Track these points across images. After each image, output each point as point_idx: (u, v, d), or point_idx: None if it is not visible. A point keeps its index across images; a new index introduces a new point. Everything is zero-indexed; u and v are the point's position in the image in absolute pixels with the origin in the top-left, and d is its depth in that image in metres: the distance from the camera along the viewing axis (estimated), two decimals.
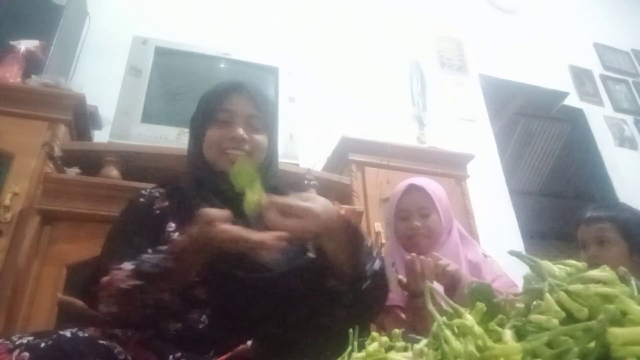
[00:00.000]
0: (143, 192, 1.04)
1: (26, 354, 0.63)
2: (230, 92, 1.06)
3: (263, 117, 1.07)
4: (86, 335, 0.74)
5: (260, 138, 1.05)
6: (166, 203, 1.01)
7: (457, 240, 1.40)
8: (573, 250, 1.53)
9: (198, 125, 1.07)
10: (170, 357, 0.80)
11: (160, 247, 0.82)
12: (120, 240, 0.94)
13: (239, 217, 0.97)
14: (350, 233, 0.84)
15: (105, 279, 0.82)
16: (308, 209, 0.77)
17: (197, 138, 1.06)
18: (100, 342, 0.75)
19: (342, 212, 0.83)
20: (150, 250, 0.86)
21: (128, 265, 0.81)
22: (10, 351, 0.64)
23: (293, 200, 0.79)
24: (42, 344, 0.65)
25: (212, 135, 1.03)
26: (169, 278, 0.79)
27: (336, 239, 0.82)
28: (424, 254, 1.31)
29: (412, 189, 1.40)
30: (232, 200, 0.98)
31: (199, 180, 1.03)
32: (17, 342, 0.65)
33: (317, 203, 0.79)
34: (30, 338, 0.67)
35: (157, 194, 1.03)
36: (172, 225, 0.94)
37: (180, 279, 0.81)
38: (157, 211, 0.99)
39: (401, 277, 1.19)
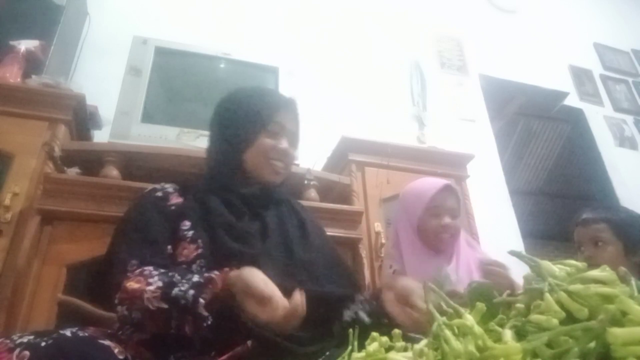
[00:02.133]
0: (157, 187, 1.05)
1: (26, 352, 0.63)
2: (282, 106, 1.11)
3: (298, 134, 1.14)
4: (86, 334, 0.74)
5: (295, 154, 1.13)
6: (181, 200, 1.01)
7: (464, 243, 1.44)
8: (573, 251, 1.54)
9: (246, 130, 1.07)
10: (172, 357, 0.80)
11: (195, 279, 0.79)
12: (137, 233, 0.94)
13: (259, 219, 1.01)
14: None
15: (130, 285, 0.81)
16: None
17: (241, 142, 1.06)
18: (101, 341, 0.75)
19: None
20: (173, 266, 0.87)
21: (156, 280, 0.80)
22: (11, 350, 0.64)
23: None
24: (43, 343, 0.65)
25: (263, 143, 1.05)
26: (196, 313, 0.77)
27: None
28: (442, 252, 1.38)
29: (447, 189, 1.41)
30: (256, 206, 1.03)
31: (224, 183, 1.04)
32: (18, 341, 0.65)
33: None
34: (31, 337, 0.67)
35: (171, 190, 1.04)
36: (186, 224, 0.95)
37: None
38: (172, 207, 0.99)
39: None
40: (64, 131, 1.41)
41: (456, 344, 0.38)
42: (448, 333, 0.40)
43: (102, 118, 1.72)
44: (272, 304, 0.73)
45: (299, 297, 0.75)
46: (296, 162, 1.65)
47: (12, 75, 1.49)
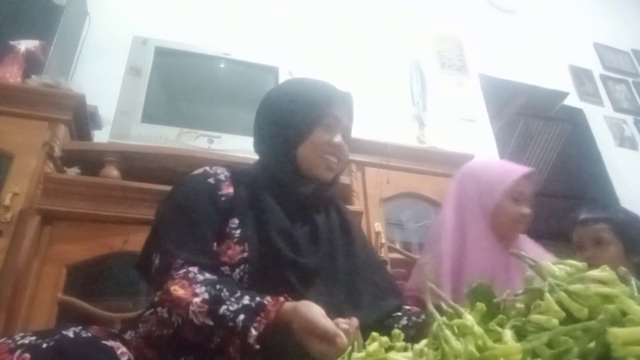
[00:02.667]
0: (210, 170, 0.98)
1: (27, 354, 0.63)
2: (337, 98, 1.06)
3: (350, 129, 1.09)
4: (89, 335, 0.74)
5: (347, 149, 1.07)
6: (231, 190, 0.95)
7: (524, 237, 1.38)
8: (572, 251, 1.54)
9: (301, 124, 1.00)
10: (182, 358, 0.79)
11: (246, 301, 0.74)
12: (185, 223, 0.88)
13: (311, 224, 0.98)
14: None
15: (174, 290, 0.77)
16: None
17: (294, 136, 1.00)
18: (103, 342, 0.74)
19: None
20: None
21: (203, 292, 0.76)
22: (12, 351, 0.63)
23: None
24: (44, 345, 0.65)
25: (318, 137, 1.00)
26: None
27: None
28: (512, 242, 1.29)
29: (531, 177, 1.31)
30: (307, 207, 1.00)
31: (276, 179, 0.99)
32: (19, 342, 0.65)
33: None
34: (33, 338, 0.66)
35: (222, 177, 0.97)
36: (235, 222, 0.90)
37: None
38: (223, 198, 0.93)
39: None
40: (64, 131, 1.41)
41: (456, 344, 0.38)
42: (448, 333, 0.40)
43: (102, 118, 1.72)
44: (338, 343, 0.66)
45: (353, 325, 0.69)
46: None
47: (12, 75, 1.49)
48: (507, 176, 1.27)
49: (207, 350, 0.77)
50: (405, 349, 0.47)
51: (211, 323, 0.73)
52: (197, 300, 0.75)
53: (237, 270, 0.85)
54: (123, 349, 0.74)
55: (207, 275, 0.81)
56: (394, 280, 1.11)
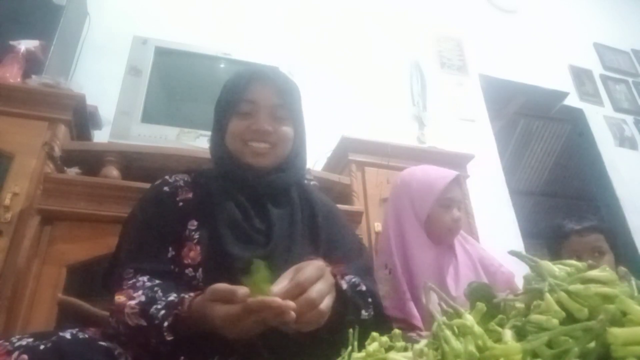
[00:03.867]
0: (168, 178, 1.00)
1: (25, 356, 0.63)
2: (253, 82, 1.01)
3: (289, 107, 1.02)
4: (86, 336, 0.74)
5: (286, 130, 1.00)
6: (190, 195, 0.97)
7: (461, 237, 1.40)
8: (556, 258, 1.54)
9: (220, 116, 1.02)
10: (182, 358, 0.79)
11: (171, 298, 0.75)
12: (141, 234, 0.91)
13: (265, 214, 0.95)
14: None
15: (118, 298, 0.79)
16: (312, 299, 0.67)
17: (219, 129, 1.02)
18: (101, 343, 0.74)
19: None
20: (168, 260, 0.85)
21: (140, 295, 0.78)
22: (10, 353, 0.63)
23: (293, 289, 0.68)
24: (42, 346, 0.65)
25: (234, 126, 0.99)
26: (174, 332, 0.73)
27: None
28: (446, 247, 1.32)
29: (458, 180, 1.33)
30: (259, 196, 0.97)
31: (224, 173, 1.00)
32: (17, 344, 0.65)
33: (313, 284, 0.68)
34: (30, 340, 0.66)
35: (181, 183, 0.99)
36: (194, 224, 0.91)
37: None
38: (181, 203, 0.95)
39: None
40: (64, 131, 1.41)
41: (456, 344, 0.38)
42: (448, 333, 0.40)
43: (102, 118, 1.72)
44: (239, 294, 0.65)
45: (279, 288, 0.66)
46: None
47: (12, 75, 1.49)
48: (435, 185, 1.31)
49: (201, 351, 0.77)
50: (405, 349, 0.47)
51: (144, 323, 0.75)
52: (131, 302, 0.77)
53: (200, 271, 0.86)
54: (120, 349, 0.75)
55: (156, 282, 0.82)
56: (368, 268, 1.06)
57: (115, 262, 0.90)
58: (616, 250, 1.46)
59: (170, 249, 0.90)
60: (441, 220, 1.30)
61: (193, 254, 0.88)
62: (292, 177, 1.03)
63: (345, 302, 0.78)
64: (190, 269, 0.87)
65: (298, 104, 1.06)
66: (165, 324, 0.72)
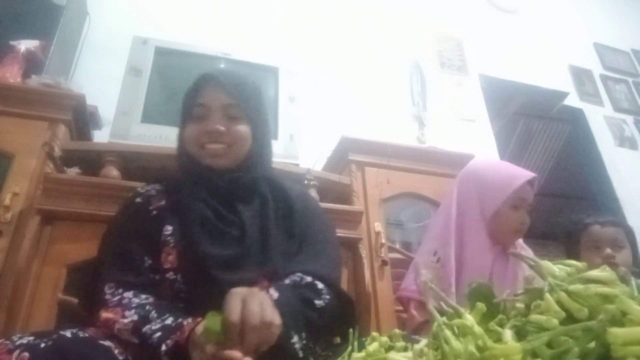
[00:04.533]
0: (140, 190, 1.02)
1: (26, 354, 0.63)
2: (204, 85, 1.03)
3: (242, 105, 1.01)
4: (86, 335, 0.74)
5: (241, 128, 1.00)
6: (163, 202, 0.99)
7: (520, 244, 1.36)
8: (572, 250, 1.54)
9: (179, 123, 1.06)
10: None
11: (168, 321, 0.77)
12: (117, 248, 0.92)
13: (234, 214, 0.96)
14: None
15: (105, 316, 0.80)
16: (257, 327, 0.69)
17: (180, 136, 1.05)
18: (101, 342, 0.74)
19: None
20: (150, 273, 0.87)
21: (132, 314, 0.79)
22: (11, 351, 0.64)
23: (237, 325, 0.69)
24: (42, 344, 0.65)
25: (189, 131, 1.01)
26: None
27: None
28: (508, 246, 1.27)
29: (532, 182, 1.27)
30: (227, 196, 0.98)
31: (190, 178, 1.01)
32: (17, 343, 0.65)
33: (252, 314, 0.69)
34: (31, 338, 0.67)
35: (153, 192, 1.01)
36: (168, 229, 0.93)
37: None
38: (154, 212, 0.97)
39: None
40: (64, 131, 1.41)
41: (456, 344, 0.38)
42: (448, 333, 0.40)
43: (102, 118, 1.72)
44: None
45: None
46: (297, 162, 1.66)
47: (12, 75, 1.49)
48: (510, 182, 1.24)
49: None
50: (405, 349, 0.47)
51: (136, 341, 0.76)
52: (124, 320, 0.78)
53: (179, 277, 0.88)
54: (120, 349, 0.75)
55: (143, 298, 0.84)
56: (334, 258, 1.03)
57: (96, 278, 0.90)
58: (634, 249, 1.48)
59: (146, 258, 0.91)
60: (509, 221, 1.23)
61: (171, 257, 0.90)
62: (257, 173, 1.03)
63: (291, 305, 0.81)
64: (171, 273, 0.89)
65: (254, 102, 1.06)
66: (163, 347, 0.73)
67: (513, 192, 1.23)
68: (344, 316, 0.92)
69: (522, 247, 1.37)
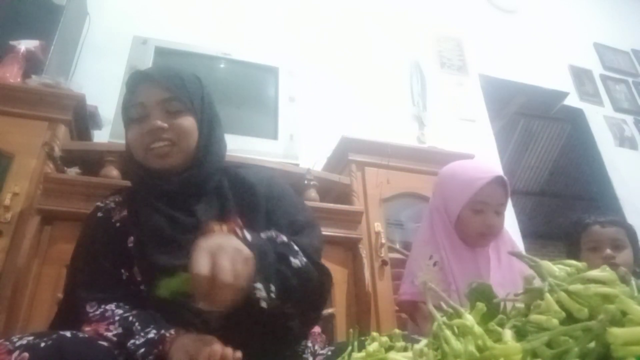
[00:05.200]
0: (100, 204, 0.99)
1: (26, 354, 0.63)
2: (138, 85, 0.96)
3: (181, 97, 0.94)
4: (86, 335, 0.74)
5: (183, 121, 0.93)
6: (124, 213, 0.96)
7: (507, 241, 1.32)
8: (573, 250, 1.54)
9: (124, 128, 0.99)
10: None
11: (151, 335, 0.77)
12: (91, 266, 0.90)
13: (192, 216, 0.92)
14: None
15: (87, 329, 0.80)
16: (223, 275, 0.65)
17: (125, 141, 0.98)
18: (100, 342, 0.75)
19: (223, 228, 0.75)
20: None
21: (117, 327, 0.80)
22: (10, 352, 0.63)
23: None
24: (42, 344, 0.65)
25: (131, 136, 0.95)
26: None
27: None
28: (481, 250, 1.24)
29: (497, 182, 1.21)
30: (181, 198, 0.93)
31: (141, 186, 0.97)
32: (17, 343, 0.65)
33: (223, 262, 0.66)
34: (30, 338, 0.67)
35: (113, 205, 0.98)
36: (132, 240, 0.91)
37: None
38: (118, 224, 0.94)
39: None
40: (64, 131, 1.41)
41: (456, 344, 0.38)
42: (448, 333, 0.40)
43: (102, 118, 1.71)
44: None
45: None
46: (297, 162, 1.66)
47: (12, 75, 1.49)
48: (469, 186, 1.21)
49: None
50: (405, 349, 0.47)
51: (119, 355, 0.76)
52: (108, 334, 0.78)
53: (144, 286, 0.87)
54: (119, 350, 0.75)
55: (126, 309, 0.83)
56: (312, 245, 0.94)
57: (72, 300, 0.89)
58: (634, 248, 1.46)
59: (123, 270, 0.90)
60: (471, 225, 1.21)
61: (136, 270, 0.89)
62: (210, 168, 0.97)
63: (262, 253, 0.75)
64: (143, 285, 0.88)
65: (194, 91, 0.98)
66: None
67: (472, 195, 1.20)
68: (321, 285, 0.86)
69: (505, 241, 1.33)
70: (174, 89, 0.94)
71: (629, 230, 1.50)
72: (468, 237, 1.24)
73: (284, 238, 0.84)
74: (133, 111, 0.95)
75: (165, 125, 0.91)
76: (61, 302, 0.95)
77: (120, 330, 0.79)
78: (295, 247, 0.83)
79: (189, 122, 0.94)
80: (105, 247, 0.91)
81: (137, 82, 0.96)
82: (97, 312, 0.83)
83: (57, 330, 0.72)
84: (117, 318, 0.81)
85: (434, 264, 1.22)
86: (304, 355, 0.88)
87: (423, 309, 1.20)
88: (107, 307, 0.84)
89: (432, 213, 1.32)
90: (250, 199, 0.95)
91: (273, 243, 0.81)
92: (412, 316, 1.27)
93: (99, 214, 0.97)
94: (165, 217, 0.90)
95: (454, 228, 1.24)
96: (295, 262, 0.80)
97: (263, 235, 0.82)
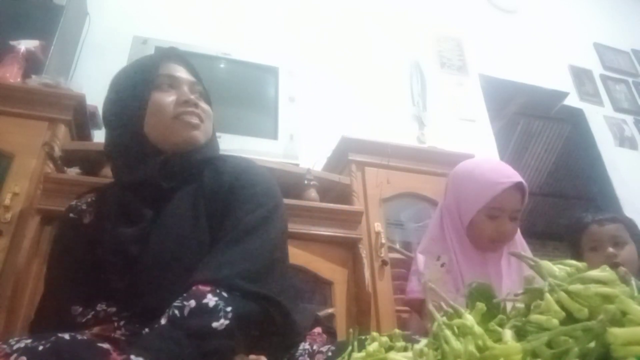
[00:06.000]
0: (72, 204, 0.98)
1: (24, 357, 0.62)
2: (166, 59, 0.95)
3: (203, 86, 0.97)
4: (85, 337, 0.74)
5: (207, 107, 0.96)
6: (93, 216, 0.94)
7: (519, 246, 1.30)
8: (574, 251, 1.53)
9: (135, 98, 0.91)
10: None
11: None
12: (62, 271, 0.90)
13: (159, 210, 0.86)
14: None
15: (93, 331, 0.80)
16: None
17: (135, 112, 0.89)
18: (99, 344, 0.74)
19: None
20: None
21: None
22: (8, 355, 0.62)
23: None
24: (40, 347, 0.65)
25: (159, 99, 0.89)
26: None
27: None
28: (493, 254, 1.21)
29: (516, 187, 1.17)
30: (157, 191, 0.87)
31: (120, 171, 0.93)
32: (15, 346, 0.64)
33: None
34: (28, 341, 0.66)
35: (84, 206, 0.96)
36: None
37: None
38: (89, 229, 0.92)
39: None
40: (64, 131, 1.41)
41: (456, 344, 0.38)
42: (448, 333, 0.40)
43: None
44: None
45: None
46: (297, 162, 1.66)
47: (12, 75, 1.49)
48: (485, 191, 1.16)
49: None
50: (405, 349, 0.47)
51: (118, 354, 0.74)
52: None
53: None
54: (118, 351, 0.74)
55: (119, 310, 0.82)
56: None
57: (48, 302, 0.88)
58: (638, 241, 1.43)
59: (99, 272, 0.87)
60: (484, 230, 1.18)
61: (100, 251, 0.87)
62: (212, 153, 0.95)
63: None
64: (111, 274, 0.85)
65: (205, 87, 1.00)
66: None
67: (488, 202, 1.16)
68: (265, 312, 0.76)
69: (517, 245, 1.32)
70: (197, 75, 0.98)
71: (629, 225, 1.47)
72: (479, 242, 1.21)
73: (192, 303, 0.70)
74: (159, 80, 0.92)
75: (199, 103, 0.93)
76: (40, 303, 0.92)
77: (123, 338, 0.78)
78: (212, 303, 0.70)
79: (209, 109, 0.97)
80: (78, 250, 0.89)
81: (167, 56, 0.97)
82: (89, 315, 0.82)
83: (56, 333, 0.71)
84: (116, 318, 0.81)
85: (442, 265, 1.20)
86: (300, 358, 0.87)
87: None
88: (98, 307, 0.83)
89: (443, 212, 1.29)
90: (218, 190, 0.88)
91: (180, 323, 0.68)
92: (421, 314, 1.27)
93: (72, 215, 0.95)
94: (132, 206, 0.88)
95: (465, 232, 1.21)
96: (221, 323, 0.69)
97: (164, 320, 0.70)
